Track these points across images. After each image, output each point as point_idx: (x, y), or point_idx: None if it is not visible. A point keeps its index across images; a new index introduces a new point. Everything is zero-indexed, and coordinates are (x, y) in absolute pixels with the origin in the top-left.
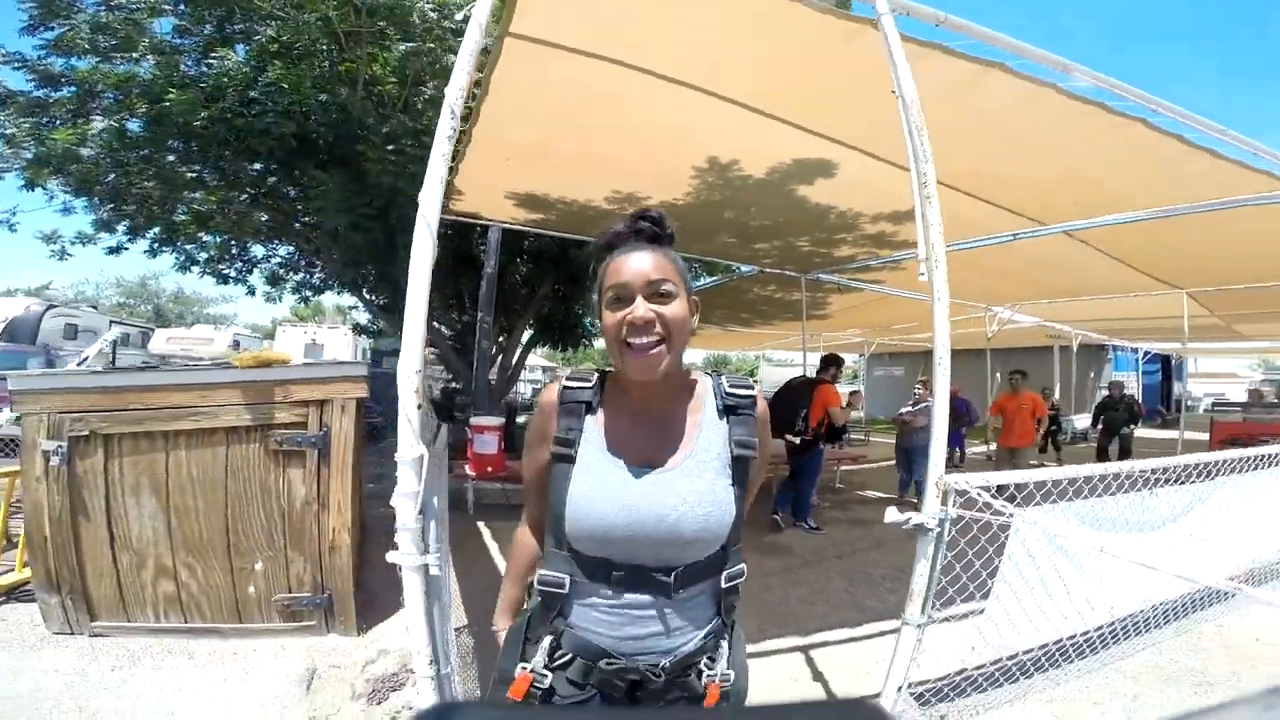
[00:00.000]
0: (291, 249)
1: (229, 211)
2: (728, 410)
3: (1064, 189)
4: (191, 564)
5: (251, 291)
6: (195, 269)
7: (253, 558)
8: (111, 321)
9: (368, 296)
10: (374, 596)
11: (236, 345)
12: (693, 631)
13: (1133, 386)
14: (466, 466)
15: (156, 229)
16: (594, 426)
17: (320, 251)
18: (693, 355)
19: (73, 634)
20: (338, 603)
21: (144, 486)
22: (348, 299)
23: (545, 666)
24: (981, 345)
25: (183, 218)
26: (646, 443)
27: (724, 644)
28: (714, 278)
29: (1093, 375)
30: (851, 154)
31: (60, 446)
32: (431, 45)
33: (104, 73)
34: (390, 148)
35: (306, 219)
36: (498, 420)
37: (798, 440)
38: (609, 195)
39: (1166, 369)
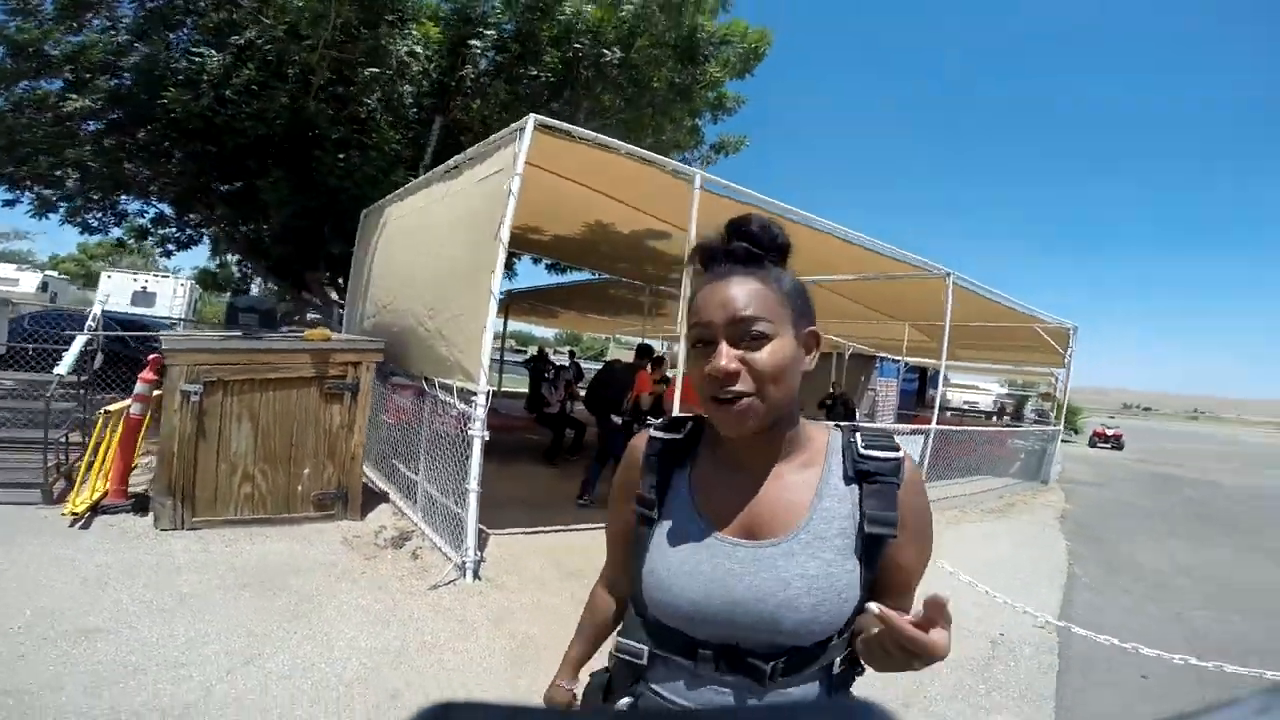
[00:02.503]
0: (168, 208)
1: (153, 180)
2: (861, 476)
3: (806, 260)
4: (265, 470)
5: (121, 243)
6: (54, 215)
7: (303, 465)
8: None
9: (264, 263)
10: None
11: (45, 287)
12: None
13: (893, 390)
14: None
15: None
16: (686, 484)
17: (238, 223)
18: (545, 333)
19: (175, 530)
20: (350, 497)
21: (244, 416)
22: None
23: None
24: None
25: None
26: (749, 508)
27: None
28: (583, 275)
29: (863, 379)
30: (679, 232)
31: (198, 389)
32: (390, 73)
33: (58, 39)
34: (340, 155)
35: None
36: None
37: (620, 421)
38: (520, 225)
39: (924, 379)
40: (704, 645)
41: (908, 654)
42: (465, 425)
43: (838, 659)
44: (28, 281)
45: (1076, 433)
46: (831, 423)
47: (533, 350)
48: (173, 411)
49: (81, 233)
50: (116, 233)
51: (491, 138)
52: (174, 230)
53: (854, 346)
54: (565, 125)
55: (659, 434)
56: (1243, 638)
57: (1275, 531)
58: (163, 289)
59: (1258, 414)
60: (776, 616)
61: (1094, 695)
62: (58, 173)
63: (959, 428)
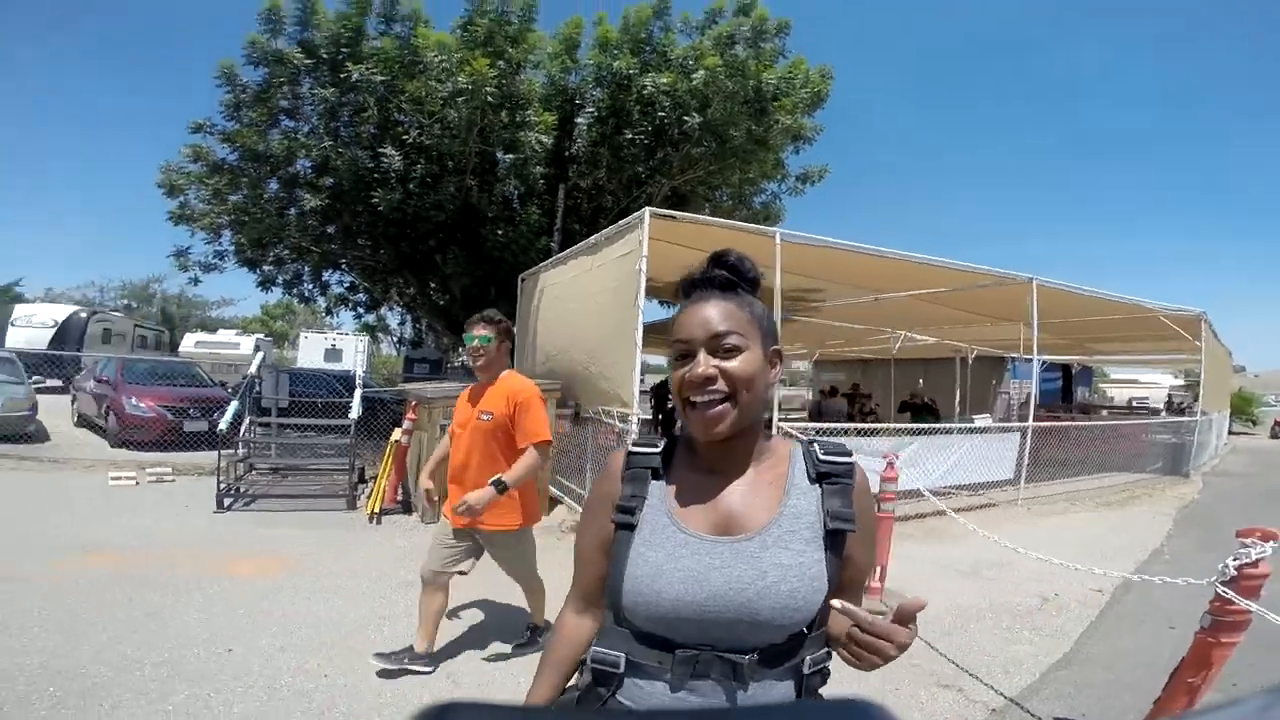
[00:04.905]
0: (354, 278)
1: (354, 258)
2: (821, 477)
3: (896, 279)
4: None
5: (329, 312)
6: (275, 288)
7: None
8: (135, 325)
9: (442, 322)
10: None
11: (257, 348)
12: None
13: (1029, 391)
14: None
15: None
16: (661, 493)
17: (424, 289)
18: (660, 360)
19: (434, 523)
20: (543, 497)
21: None
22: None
23: None
24: (887, 357)
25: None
26: (723, 509)
27: None
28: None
29: (994, 382)
30: (769, 271)
31: (448, 422)
32: (524, 157)
33: (284, 145)
34: (500, 231)
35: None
36: None
37: None
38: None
39: (1068, 377)
40: (682, 647)
41: (873, 648)
42: (620, 437)
43: (809, 658)
44: (245, 344)
45: (1255, 424)
46: (791, 436)
47: (653, 380)
48: (434, 438)
49: (298, 302)
50: (321, 301)
51: (621, 222)
52: (363, 297)
53: (977, 349)
54: (671, 212)
55: (636, 449)
56: None
57: None
58: (348, 346)
59: None
60: (754, 604)
61: (1114, 636)
62: (283, 255)
63: (1062, 423)
